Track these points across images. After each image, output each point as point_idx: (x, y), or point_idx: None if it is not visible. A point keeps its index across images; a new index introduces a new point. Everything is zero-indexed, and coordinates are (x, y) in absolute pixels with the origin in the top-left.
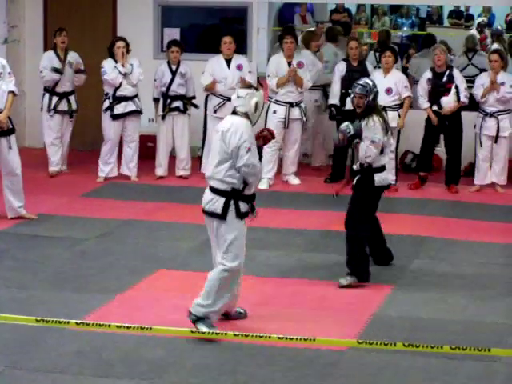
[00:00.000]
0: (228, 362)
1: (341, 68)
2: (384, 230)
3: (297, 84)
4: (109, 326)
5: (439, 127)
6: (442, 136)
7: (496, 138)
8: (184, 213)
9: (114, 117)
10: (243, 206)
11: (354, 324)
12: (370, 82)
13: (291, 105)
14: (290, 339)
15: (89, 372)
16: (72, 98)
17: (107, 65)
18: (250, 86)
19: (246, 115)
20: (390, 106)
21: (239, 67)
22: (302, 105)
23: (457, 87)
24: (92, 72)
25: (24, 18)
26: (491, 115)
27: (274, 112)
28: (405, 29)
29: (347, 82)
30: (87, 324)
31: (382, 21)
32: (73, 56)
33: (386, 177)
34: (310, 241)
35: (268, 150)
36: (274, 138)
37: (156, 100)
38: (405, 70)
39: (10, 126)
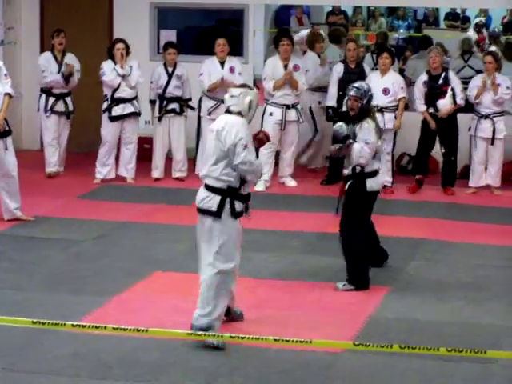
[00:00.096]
0: (224, 364)
1: (338, 69)
2: (380, 232)
3: (292, 87)
4: (105, 328)
5: (435, 130)
6: (437, 138)
7: (492, 140)
8: (180, 215)
9: (112, 118)
10: (238, 206)
11: (351, 326)
12: (365, 85)
13: (287, 107)
14: (287, 341)
15: (85, 374)
16: (68, 99)
17: (106, 66)
18: (243, 85)
19: (240, 114)
20: (386, 107)
21: (231, 69)
22: (299, 107)
23: (453, 89)
24: (88, 74)
25: (20, 19)
26: (486, 117)
27: (271, 114)
28: (401, 31)
29: (344, 84)
30: (83, 326)
31: (379, 23)
32: (70, 58)
33: (378, 182)
34: (306, 243)
35: (264, 151)
36: (269, 140)
37: (152, 102)
38: (401, 72)
39: (7, 128)
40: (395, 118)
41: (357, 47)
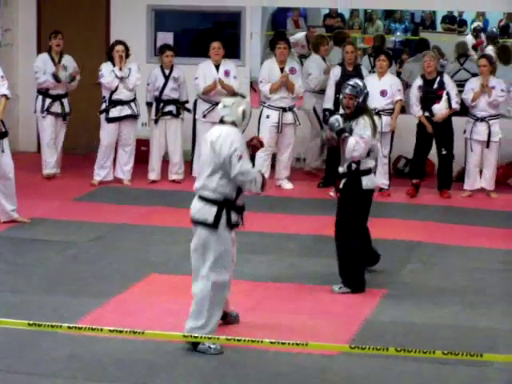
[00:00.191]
0: (220, 367)
1: (336, 72)
2: (376, 235)
3: (288, 90)
4: (101, 330)
5: (432, 133)
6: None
7: (487, 143)
8: (177, 217)
9: (109, 120)
10: (234, 217)
11: (347, 329)
12: (361, 83)
13: (284, 110)
14: (282, 344)
15: (82, 376)
16: (65, 101)
17: (105, 68)
18: (235, 94)
19: (233, 124)
20: (384, 110)
21: (226, 73)
22: (295, 109)
23: (448, 94)
24: (85, 75)
25: (17, 21)
26: (482, 120)
27: (268, 117)
28: (398, 34)
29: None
30: (79, 328)
31: (376, 26)
32: (68, 59)
33: (373, 181)
34: (302, 245)
35: (261, 154)
36: (263, 146)
37: (149, 104)
38: (398, 75)
39: (3, 130)
40: None
41: (355, 50)
